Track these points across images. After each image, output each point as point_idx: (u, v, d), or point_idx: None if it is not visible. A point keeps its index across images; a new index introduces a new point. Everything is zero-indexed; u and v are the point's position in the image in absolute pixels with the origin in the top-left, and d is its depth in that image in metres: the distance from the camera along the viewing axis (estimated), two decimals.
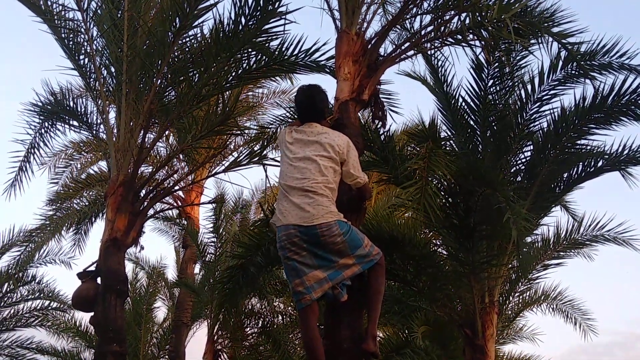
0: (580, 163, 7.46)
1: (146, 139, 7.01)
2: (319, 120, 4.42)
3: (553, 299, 11.24)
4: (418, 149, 6.57)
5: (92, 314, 6.23)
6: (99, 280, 6.28)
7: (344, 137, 4.37)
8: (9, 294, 12.48)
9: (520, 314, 11.44)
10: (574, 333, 11.74)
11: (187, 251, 13.64)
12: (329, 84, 5.71)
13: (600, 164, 7.43)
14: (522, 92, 7.39)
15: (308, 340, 4.08)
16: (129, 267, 14.89)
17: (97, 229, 12.83)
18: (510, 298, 9.17)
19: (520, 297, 10.28)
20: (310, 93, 4.48)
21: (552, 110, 7.32)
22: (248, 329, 12.93)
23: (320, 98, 4.49)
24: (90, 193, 11.80)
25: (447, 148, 7.27)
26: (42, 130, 8.27)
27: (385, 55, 5.66)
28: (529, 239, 7.94)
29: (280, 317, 12.94)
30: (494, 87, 7.31)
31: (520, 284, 8.80)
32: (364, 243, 4.12)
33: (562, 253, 8.66)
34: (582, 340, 11.82)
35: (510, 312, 10.63)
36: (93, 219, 11.19)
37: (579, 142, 7.36)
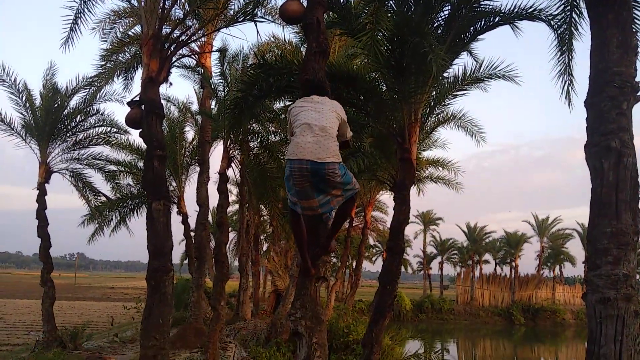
0: (483, 19, 7.23)
1: (166, 3, 6.61)
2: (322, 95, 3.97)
3: (459, 119, 11.51)
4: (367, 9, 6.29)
5: (140, 130, 6.28)
6: (142, 107, 6.25)
7: (337, 103, 3.94)
8: (81, 123, 12.45)
9: (436, 129, 11.80)
10: (471, 143, 12.21)
11: (204, 91, 13.43)
12: None
13: (497, 19, 7.20)
14: None
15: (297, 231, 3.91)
16: (163, 103, 14.77)
17: (139, 74, 12.50)
18: (430, 118, 9.36)
19: (436, 117, 10.53)
20: (322, 81, 4.11)
21: None
22: (251, 143, 13.18)
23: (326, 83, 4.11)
24: (132, 49, 11.30)
25: (389, 8, 6.98)
26: None
27: None
28: (445, 75, 7.91)
29: (273, 136, 13.16)
30: None
31: (436, 108, 8.91)
32: (352, 181, 3.73)
33: (466, 86, 8.66)
34: (476, 148, 12.34)
35: (429, 128, 10.94)
36: (135, 68, 10.84)
37: (483, 2, 7.05)
